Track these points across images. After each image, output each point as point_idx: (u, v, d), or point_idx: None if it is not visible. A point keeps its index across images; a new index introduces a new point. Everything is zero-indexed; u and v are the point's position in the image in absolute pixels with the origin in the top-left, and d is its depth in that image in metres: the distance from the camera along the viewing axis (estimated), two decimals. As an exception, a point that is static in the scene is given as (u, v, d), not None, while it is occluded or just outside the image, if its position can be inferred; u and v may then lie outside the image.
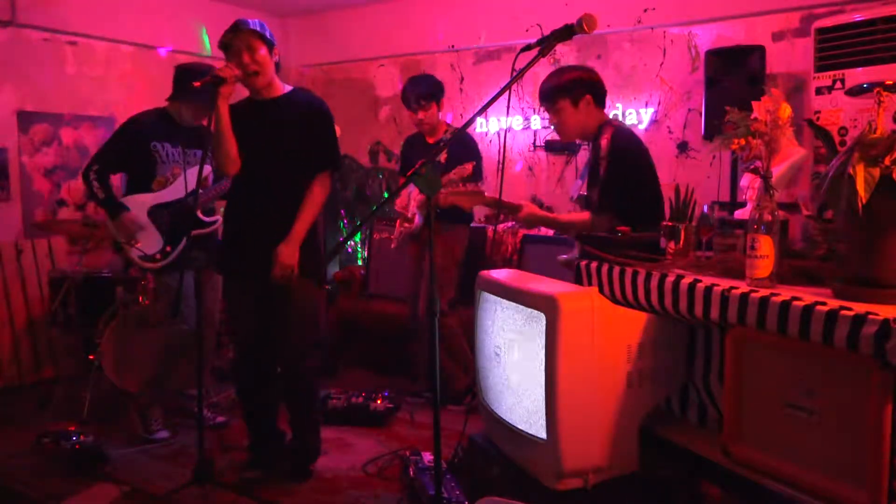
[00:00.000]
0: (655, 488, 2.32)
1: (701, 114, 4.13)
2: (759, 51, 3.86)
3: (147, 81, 5.00)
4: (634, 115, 4.70)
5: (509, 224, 4.86)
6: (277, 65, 2.94)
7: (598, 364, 2.20)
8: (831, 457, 1.74)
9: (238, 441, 3.41)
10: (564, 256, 2.88)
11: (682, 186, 2.35)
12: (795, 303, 1.74)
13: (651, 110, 4.66)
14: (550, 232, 4.62)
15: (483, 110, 2.05)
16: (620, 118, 4.63)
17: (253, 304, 2.96)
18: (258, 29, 2.80)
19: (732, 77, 3.85)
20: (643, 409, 2.31)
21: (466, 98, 5.41)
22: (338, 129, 3.06)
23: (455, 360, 4.02)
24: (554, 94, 2.82)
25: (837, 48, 3.48)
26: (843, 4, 3.93)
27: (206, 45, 5.32)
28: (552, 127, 3.00)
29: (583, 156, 4.95)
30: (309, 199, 2.87)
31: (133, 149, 3.48)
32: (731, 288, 1.92)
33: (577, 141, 3.24)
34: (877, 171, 1.66)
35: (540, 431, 2.25)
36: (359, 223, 5.63)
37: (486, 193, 2.87)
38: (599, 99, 2.84)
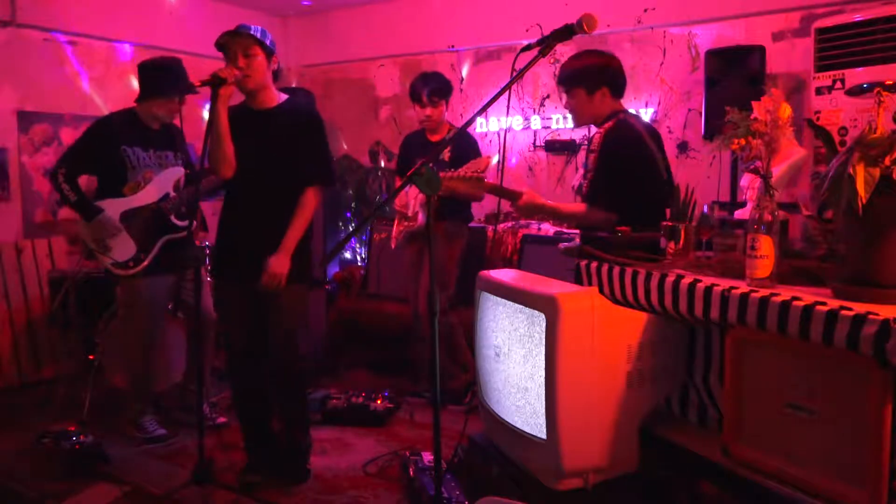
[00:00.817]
0: (655, 488, 2.32)
1: (701, 114, 4.13)
2: (759, 51, 3.86)
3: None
4: (634, 115, 4.70)
5: (509, 224, 4.86)
6: (276, 73, 2.94)
7: (598, 364, 2.20)
8: (831, 457, 1.74)
9: (238, 441, 3.40)
10: (565, 245, 2.87)
11: (682, 186, 2.35)
12: (795, 303, 1.74)
13: (651, 110, 4.66)
14: (550, 232, 4.63)
15: (483, 110, 2.05)
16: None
17: (244, 308, 2.96)
18: (258, 35, 2.79)
19: (732, 77, 3.85)
20: (643, 409, 2.31)
21: (466, 98, 5.41)
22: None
23: (454, 358, 4.01)
24: (571, 81, 2.81)
25: (837, 48, 3.48)
26: (843, 4, 3.93)
27: None
28: (566, 108, 2.94)
29: (583, 155, 4.94)
30: (298, 213, 2.88)
31: (103, 152, 3.41)
32: (731, 288, 1.92)
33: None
34: (877, 171, 1.66)
35: (540, 431, 2.25)
36: (359, 223, 5.63)
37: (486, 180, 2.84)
38: (617, 90, 2.81)
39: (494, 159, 5.17)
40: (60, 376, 4.19)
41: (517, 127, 5.16)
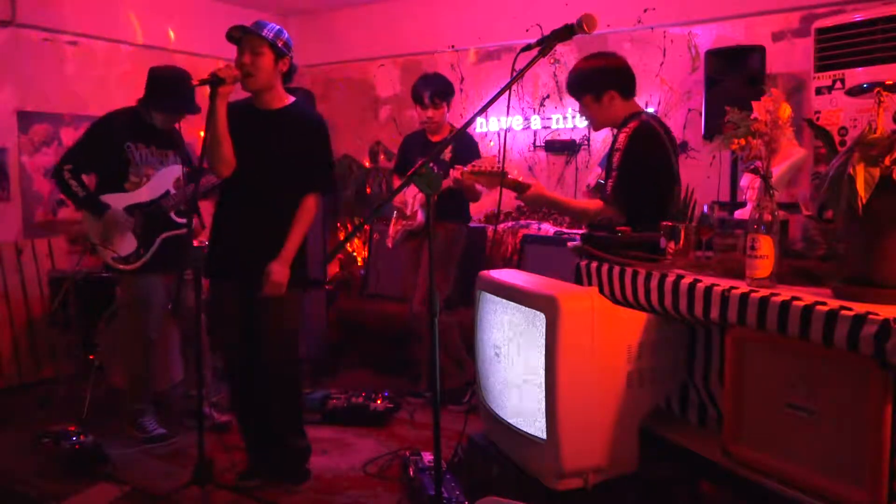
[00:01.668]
0: (655, 488, 2.32)
1: (701, 114, 4.13)
2: (759, 51, 3.86)
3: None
4: (634, 115, 4.70)
5: (509, 224, 4.87)
6: (287, 74, 2.90)
7: (598, 364, 2.20)
8: (831, 457, 1.74)
9: (239, 441, 3.41)
10: (574, 244, 2.85)
11: (682, 186, 2.35)
12: (795, 303, 1.74)
13: (651, 110, 4.65)
14: (550, 232, 4.63)
15: (483, 110, 2.05)
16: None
17: (240, 310, 2.93)
18: (269, 35, 2.76)
19: (732, 77, 3.85)
20: (643, 409, 2.31)
21: (466, 98, 5.41)
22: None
23: (449, 357, 4.01)
24: (577, 90, 2.79)
25: (837, 48, 3.48)
26: (843, 4, 3.93)
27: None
28: (580, 114, 2.95)
29: (583, 156, 4.95)
30: (297, 221, 2.86)
31: (107, 149, 3.43)
32: (731, 288, 1.92)
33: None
34: (877, 171, 1.66)
35: (540, 431, 2.25)
36: (359, 223, 5.63)
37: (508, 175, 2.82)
38: (626, 91, 2.76)
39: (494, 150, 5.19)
40: (60, 376, 4.19)
41: (517, 127, 5.16)
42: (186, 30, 5.36)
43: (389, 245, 4.27)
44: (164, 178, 3.54)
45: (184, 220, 3.55)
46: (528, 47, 2.08)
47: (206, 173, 3.21)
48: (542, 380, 2.20)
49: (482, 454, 2.65)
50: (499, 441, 2.59)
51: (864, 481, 1.65)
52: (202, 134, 2.78)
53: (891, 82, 1.92)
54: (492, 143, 5.26)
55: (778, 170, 2.36)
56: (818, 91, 3.57)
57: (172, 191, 3.54)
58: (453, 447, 2.92)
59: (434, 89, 3.94)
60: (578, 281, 2.46)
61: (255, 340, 2.92)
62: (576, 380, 2.17)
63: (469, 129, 4.87)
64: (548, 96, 5.06)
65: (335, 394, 3.90)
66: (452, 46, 5.42)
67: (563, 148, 5.00)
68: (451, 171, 3.55)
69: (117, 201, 3.47)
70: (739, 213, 2.69)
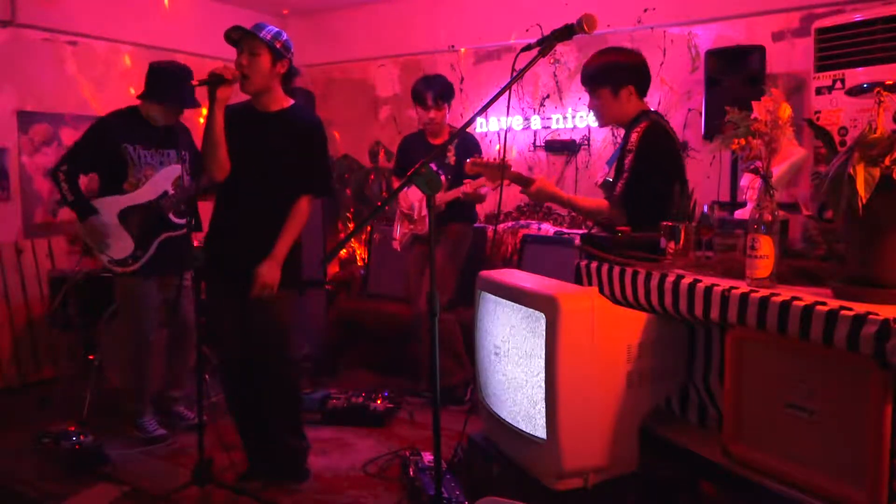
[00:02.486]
0: (655, 488, 2.32)
1: (701, 114, 4.13)
2: (759, 51, 3.86)
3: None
4: (634, 115, 4.69)
5: (509, 224, 4.87)
6: (287, 77, 2.89)
7: (598, 364, 2.20)
8: (831, 457, 1.74)
9: (239, 441, 3.41)
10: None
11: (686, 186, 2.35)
12: (795, 303, 1.74)
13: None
14: (550, 232, 4.63)
15: (483, 110, 2.05)
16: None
17: (235, 312, 2.91)
18: (267, 38, 2.75)
19: (732, 77, 3.85)
20: (643, 409, 2.31)
21: (466, 98, 5.41)
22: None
23: (449, 353, 4.00)
24: (596, 81, 2.74)
25: (837, 48, 3.48)
26: (843, 4, 3.93)
27: None
28: (589, 108, 2.90)
29: (583, 156, 4.95)
30: (289, 222, 2.85)
31: (104, 150, 3.43)
32: (731, 288, 1.92)
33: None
34: (877, 171, 1.66)
35: (540, 431, 2.25)
36: (359, 223, 5.63)
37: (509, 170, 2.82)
38: (642, 89, 2.76)
39: (495, 147, 5.20)
40: (60, 376, 4.19)
41: (517, 127, 5.15)
42: (186, 30, 5.35)
43: (397, 248, 4.27)
44: (163, 179, 3.54)
45: (183, 221, 3.55)
46: (528, 47, 2.07)
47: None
48: (542, 380, 2.21)
49: (482, 454, 2.65)
50: (499, 441, 2.59)
51: (864, 481, 1.65)
52: (202, 121, 2.77)
53: (891, 82, 1.92)
54: (497, 147, 5.25)
55: (778, 170, 2.35)
56: (818, 91, 3.57)
57: (171, 191, 3.54)
58: (453, 447, 2.92)
59: (437, 91, 3.94)
60: (578, 281, 2.46)
61: (248, 341, 2.91)
62: (576, 380, 2.17)
63: (469, 129, 4.87)
64: (548, 96, 5.06)
65: (335, 394, 3.90)
66: (452, 46, 5.42)
67: (563, 148, 5.00)
68: (462, 185, 3.60)
69: (115, 203, 3.46)
70: (739, 213, 2.69)
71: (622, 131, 2.84)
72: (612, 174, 2.83)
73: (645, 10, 4.56)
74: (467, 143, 4.01)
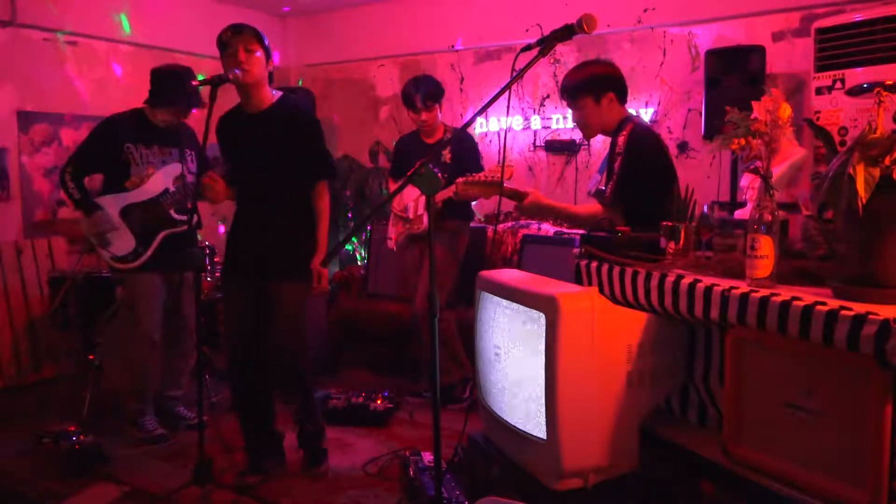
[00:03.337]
0: (655, 488, 2.32)
1: (701, 114, 4.13)
2: (759, 51, 3.86)
3: (147, 81, 4.99)
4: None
5: (509, 224, 4.86)
6: (271, 76, 3.01)
7: (598, 364, 2.20)
8: (831, 457, 1.74)
9: (239, 441, 3.41)
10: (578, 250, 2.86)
11: (682, 186, 2.35)
12: (795, 303, 1.74)
13: (651, 110, 4.66)
14: (550, 232, 4.63)
15: (483, 110, 2.05)
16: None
17: (250, 307, 3.00)
18: (259, 34, 2.87)
19: (732, 77, 3.85)
20: (643, 409, 2.31)
21: (466, 98, 5.41)
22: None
23: (447, 351, 4.00)
24: (576, 91, 2.81)
25: (837, 48, 3.48)
26: (843, 4, 3.93)
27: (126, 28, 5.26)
28: (574, 123, 2.98)
29: (583, 156, 4.95)
30: (319, 212, 3.02)
31: (106, 150, 3.47)
32: (731, 288, 1.92)
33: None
34: (877, 171, 1.66)
35: (540, 431, 2.25)
36: (358, 223, 5.63)
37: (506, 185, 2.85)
38: (622, 96, 2.83)
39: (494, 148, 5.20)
40: (60, 376, 4.19)
41: (517, 127, 5.16)
42: (187, 30, 5.35)
43: (392, 248, 4.27)
44: (165, 176, 3.56)
45: (185, 218, 3.57)
46: (528, 47, 2.07)
47: (213, 166, 3.31)
48: (542, 380, 2.20)
49: (482, 454, 2.65)
50: (499, 441, 2.59)
51: (864, 481, 1.65)
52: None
53: (891, 82, 1.92)
54: (502, 149, 5.25)
55: (778, 170, 2.35)
56: (818, 91, 3.57)
57: (172, 188, 3.56)
58: (453, 447, 2.92)
59: (425, 92, 3.94)
60: (578, 281, 2.46)
61: (263, 337, 3.00)
62: (576, 380, 2.17)
63: (469, 129, 4.88)
64: (548, 96, 5.06)
65: (335, 394, 3.90)
66: (452, 46, 5.42)
67: (563, 148, 5.00)
68: (455, 185, 3.59)
69: (117, 201, 3.49)
70: (739, 213, 2.68)
71: None
72: (604, 183, 2.85)
73: (645, 10, 4.57)
74: (465, 144, 4.01)
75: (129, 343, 3.58)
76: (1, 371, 4.29)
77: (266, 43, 2.90)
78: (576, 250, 2.84)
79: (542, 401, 2.22)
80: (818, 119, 3.53)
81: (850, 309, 1.64)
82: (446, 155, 4.00)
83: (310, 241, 3.00)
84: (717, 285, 1.96)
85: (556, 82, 4.99)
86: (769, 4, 4.19)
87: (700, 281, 2.02)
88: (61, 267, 4.54)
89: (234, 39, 2.83)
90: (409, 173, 1.93)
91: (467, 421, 2.63)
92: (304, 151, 2.98)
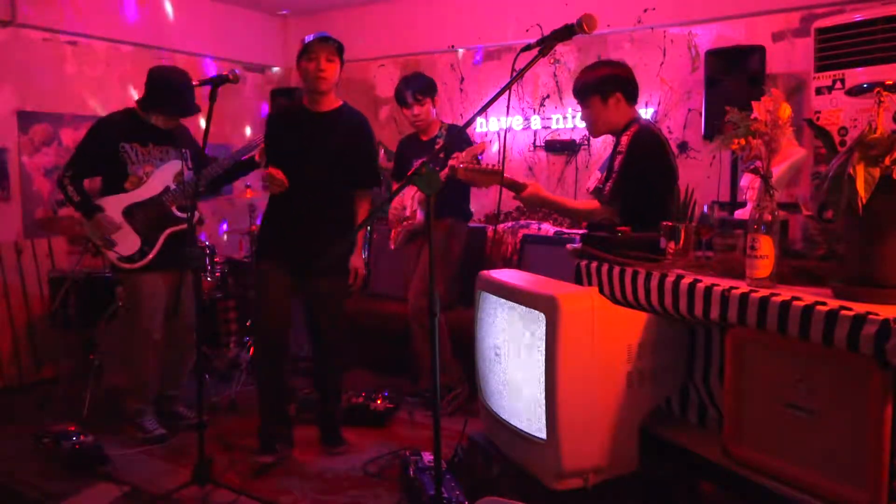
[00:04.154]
0: (655, 488, 2.32)
1: (701, 114, 4.13)
2: (759, 51, 3.86)
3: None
4: (634, 115, 4.69)
5: (509, 224, 4.86)
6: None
7: (598, 364, 2.20)
8: (831, 457, 1.74)
9: (238, 441, 3.41)
10: (573, 246, 2.87)
11: (682, 186, 2.35)
12: (795, 303, 1.74)
13: (651, 110, 4.65)
14: (550, 232, 4.63)
15: (483, 110, 2.05)
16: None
17: (286, 296, 3.22)
18: (341, 46, 3.17)
19: (732, 77, 3.85)
20: (643, 409, 2.31)
21: (466, 98, 5.41)
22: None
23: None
24: (585, 91, 2.84)
25: (837, 48, 3.48)
26: (843, 4, 3.93)
27: None
28: (583, 120, 3.02)
29: (583, 156, 4.95)
30: (362, 215, 3.32)
31: (102, 152, 3.47)
32: (731, 288, 1.92)
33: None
34: (877, 171, 1.66)
35: (540, 431, 2.25)
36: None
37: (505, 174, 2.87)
38: (631, 97, 2.84)
39: (494, 147, 5.18)
40: (60, 376, 4.19)
41: (517, 127, 5.15)
42: (187, 30, 5.35)
43: (392, 247, 4.27)
44: (164, 174, 3.56)
45: (185, 215, 3.57)
46: (528, 47, 2.08)
47: (210, 162, 3.52)
48: (542, 380, 2.21)
49: (482, 454, 2.65)
50: (499, 441, 2.59)
51: (864, 481, 1.65)
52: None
53: (891, 82, 1.92)
54: (497, 148, 5.25)
55: (778, 170, 2.35)
56: (818, 91, 3.57)
57: (172, 186, 3.57)
58: (453, 447, 2.92)
59: (415, 87, 3.99)
60: (578, 281, 2.46)
61: (316, 324, 3.30)
62: (576, 380, 2.17)
63: (469, 129, 4.88)
64: (548, 96, 5.06)
65: (335, 394, 3.89)
66: (452, 46, 5.42)
67: (563, 148, 5.00)
68: (450, 160, 3.57)
69: (118, 202, 3.49)
70: (739, 213, 2.68)
71: None
72: (603, 180, 2.87)
73: (645, 10, 4.56)
74: (454, 133, 4.01)
75: (129, 343, 3.58)
76: (1, 371, 4.29)
77: (343, 55, 3.17)
78: (570, 246, 2.86)
79: (542, 401, 2.22)
80: (818, 119, 3.53)
81: (850, 309, 1.64)
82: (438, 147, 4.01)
83: (351, 240, 3.25)
84: (717, 285, 1.96)
85: (556, 82, 4.99)
86: (769, 4, 4.18)
87: (700, 281, 2.02)
88: (61, 267, 4.54)
89: (318, 47, 3.10)
90: (408, 174, 1.93)
91: (467, 421, 2.63)
92: (362, 156, 3.28)
